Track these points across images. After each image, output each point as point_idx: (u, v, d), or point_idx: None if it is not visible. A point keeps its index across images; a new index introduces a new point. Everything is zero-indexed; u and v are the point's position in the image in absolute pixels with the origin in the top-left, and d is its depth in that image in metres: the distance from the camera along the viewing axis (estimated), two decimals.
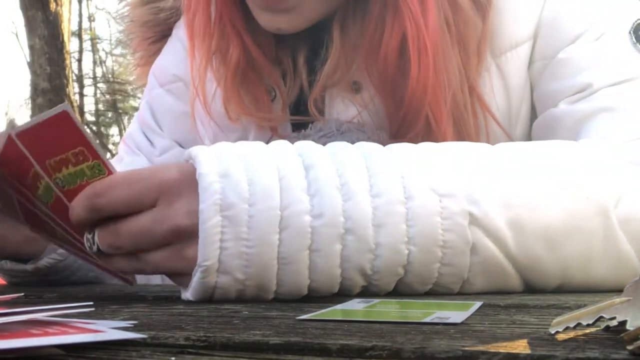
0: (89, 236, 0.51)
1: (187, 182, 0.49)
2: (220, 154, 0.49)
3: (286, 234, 0.47)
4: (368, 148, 0.53)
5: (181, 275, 0.50)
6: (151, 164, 0.86)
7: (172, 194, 0.49)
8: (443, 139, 0.66)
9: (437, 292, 0.52)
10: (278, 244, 0.47)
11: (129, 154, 0.90)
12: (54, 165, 0.52)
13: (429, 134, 0.67)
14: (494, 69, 0.70)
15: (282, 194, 0.48)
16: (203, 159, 0.49)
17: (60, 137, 0.51)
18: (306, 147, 0.52)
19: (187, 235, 0.48)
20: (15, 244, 0.67)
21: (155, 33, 0.91)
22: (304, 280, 0.49)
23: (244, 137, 0.76)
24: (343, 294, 0.51)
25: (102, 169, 0.52)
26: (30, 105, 8.05)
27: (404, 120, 0.68)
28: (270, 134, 0.75)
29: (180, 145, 0.87)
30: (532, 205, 0.52)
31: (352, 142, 0.54)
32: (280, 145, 0.52)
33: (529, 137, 0.72)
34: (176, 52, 0.88)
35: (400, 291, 0.52)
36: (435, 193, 0.50)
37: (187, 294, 0.49)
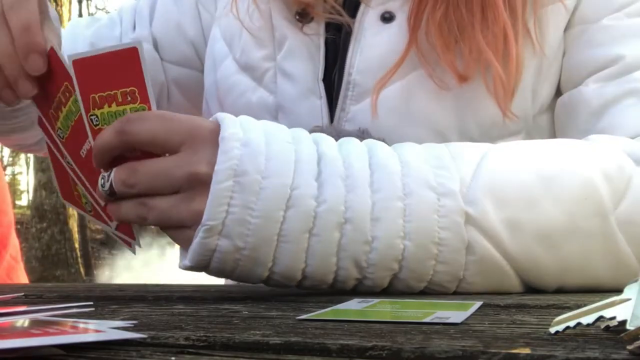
0: (105, 174, 0.52)
1: (215, 136, 0.50)
2: (246, 124, 0.51)
3: (291, 213, 0.49)
4: (373, 144, 0.54)
5: (180, 230, 0.50)
6: (118, 42, 0.84)
7: (199, 142, 0.50)
8: None
9: (432, 290, 0.52)
10: (282, 221, 0.48)
11: (109, 19, 0.89)
12: (97, 100, 0.53)
13: None
14: (534, 19, 0.67)
15: (294, 175, 0.49)
16: (228, 124, 0.50)
17: (117, 73, 0.52)
18: (320, 136, 0.53)
19: (201, 184, 0.49)
20: None
21: None
22: (300, 263, 0.49)
23: (272, 55, 0.73)
24: (336, 288, 0.51)
25: None
26: None
27: None
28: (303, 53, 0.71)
29: (155, 45, 0.85)
30: (530, 205, 0.52)
31: None
32: (299, 130, 0.53)
33: (553, 102, 0.70)
34: None
35: (395, 288, 0.52)
36: (434, 191, 0.51)
37: (186, 260, 0.50)
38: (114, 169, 0.51)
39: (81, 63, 0.53)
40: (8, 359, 0.25)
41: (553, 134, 0.70)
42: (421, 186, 0.51)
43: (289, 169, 0.49)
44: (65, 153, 0.59)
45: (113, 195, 0.51)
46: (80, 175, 0.58)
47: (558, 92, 0.70)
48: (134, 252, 0.61)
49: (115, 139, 0.50)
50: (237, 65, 0.76)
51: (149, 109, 0.52)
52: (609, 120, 0.63)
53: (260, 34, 0.74)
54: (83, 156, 0.57)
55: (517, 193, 0.52)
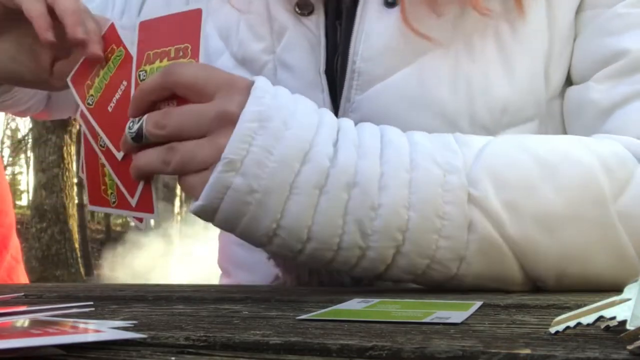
0: (135, 118, 0.54)
1: (250, 87, 0.53)
2: (278, 86, 0.54)
3: (306, 168, 0.51)
4: (385, 127, 0.56)
5: (200, 174, 0.52)
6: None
7: (234, 90, 0.53)
8: None
9: (435, 272, 0.53)
10: (296, 172, 0.51)
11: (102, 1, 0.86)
12: (151, 57, 0.56)
13: None
14: (544, 4, 0.66)
15: (315, 135, 0.52)
16: (263, 80, 0.54)
17: (176, 31, 0.56)
18: (340, 118, 0.56)
19: (229, 123, 0.51)
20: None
21: None
22: (307, 219, 0.51)
23: (271, 48, 0.71)
24: (340, 260, 0.52)
25: None
26: None
27: None
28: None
29: None
30: (529, 190, 0.53)
31: None
32: (323, 109, 0.56)
33: (564, 88, 0.69)
34: None
35: (398, 265, 0.52)
36: (440, 167, 0.52)
37: (198, 201, 0.51)
38: (147, 114, 0.53)
39: (147, 24, 0.57)
40: (8, 359, 0.25)
41: (563, 122, 0.70)
42: (428, 161, 0.52)
43: (312, 127, 0.52)
44: (91, 119, 0.60)
45: (137, 141, 0.54)
46: (104, 135, 0.59)
47: (568, 78, 0.69)
48: (144, 229, 0.62)
49: (160, 79, 0.53)
50: (235, 60, 0.75)
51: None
52: (616, 121, 0.63)
53: (258, 25, 0.73)
54: (110, 110, 0.59)
55: (516, 178, 0.53)
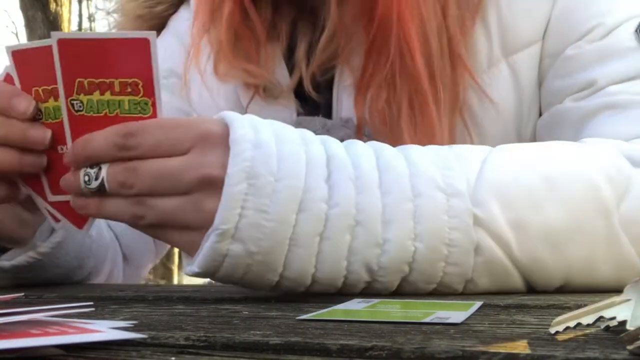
0: (91, 170, 0.49)
1: (225, 138, 0.48)
2: (255, 123, 0.49)
3: (303, 217, 0.48)
4: (378, 146, 0.53)
5: (183, 232, 0.49)
6: None
7: (208, 144, 0.48)
8: (416, 73, 0.65)
9: (441, 292, 0.52)
10: (294, 224, 0.47)
11: None
12: (86, 86, 0.49)
13: (404, 68, 0.65)
14: (505, 68, 0.69)
15: (306, 177, 0.48)
16: (238, 125, 0.48)
17: (119, 61, 0.48)
18: (326, 137, 0.52)
19: (213, 187, 0.47)
20: (9, 229, 0.62)
21: (149, 28, 0.85)
22: (310, 267, 0.49)
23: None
24: (346, 292, 0.51)
25: (148, 109, 0.49)
26: None
27: (374, 41, 0.65)
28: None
29: None
30: (535, 207, 0.52)
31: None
32: (305, 131, 0.52)
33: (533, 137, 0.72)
34: (169, 45, 0.83)
35: (404, 291, 0.51)
36: (442, 192, 0.50)
37: (193, 267, 0.49)
38: (107, 168, 0.49)
39: (69, 44, 0.48)
40: (8, 359, 0.25)
41: None
42: (430, 187, 0.50)
43: (301, 171, 0.48)
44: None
45: (99, 193, 0.49)
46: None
47: None
48: (56, 229, 0.58)
49: (114, 152, 0.48)
50: None
51: (153, 104, 0.49)
52: (589, 132, 0.64)
53: (215, 87, 0.72)
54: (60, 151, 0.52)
55: (521, 194, 0.52)
